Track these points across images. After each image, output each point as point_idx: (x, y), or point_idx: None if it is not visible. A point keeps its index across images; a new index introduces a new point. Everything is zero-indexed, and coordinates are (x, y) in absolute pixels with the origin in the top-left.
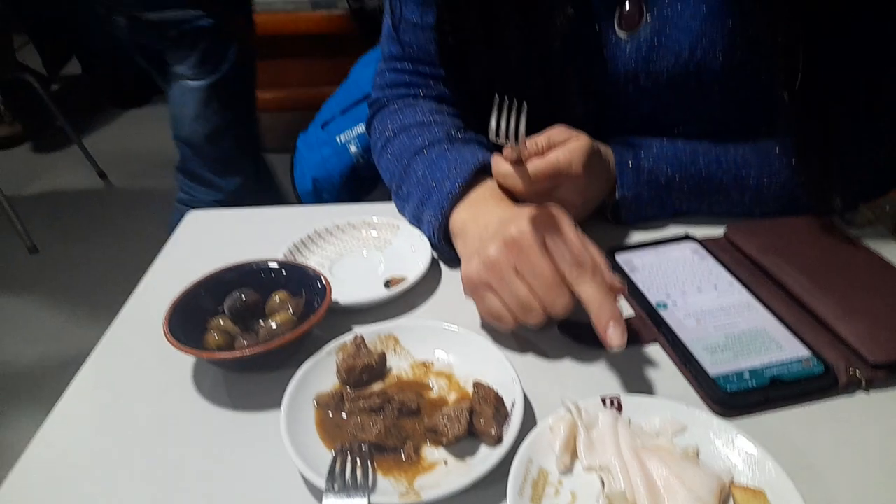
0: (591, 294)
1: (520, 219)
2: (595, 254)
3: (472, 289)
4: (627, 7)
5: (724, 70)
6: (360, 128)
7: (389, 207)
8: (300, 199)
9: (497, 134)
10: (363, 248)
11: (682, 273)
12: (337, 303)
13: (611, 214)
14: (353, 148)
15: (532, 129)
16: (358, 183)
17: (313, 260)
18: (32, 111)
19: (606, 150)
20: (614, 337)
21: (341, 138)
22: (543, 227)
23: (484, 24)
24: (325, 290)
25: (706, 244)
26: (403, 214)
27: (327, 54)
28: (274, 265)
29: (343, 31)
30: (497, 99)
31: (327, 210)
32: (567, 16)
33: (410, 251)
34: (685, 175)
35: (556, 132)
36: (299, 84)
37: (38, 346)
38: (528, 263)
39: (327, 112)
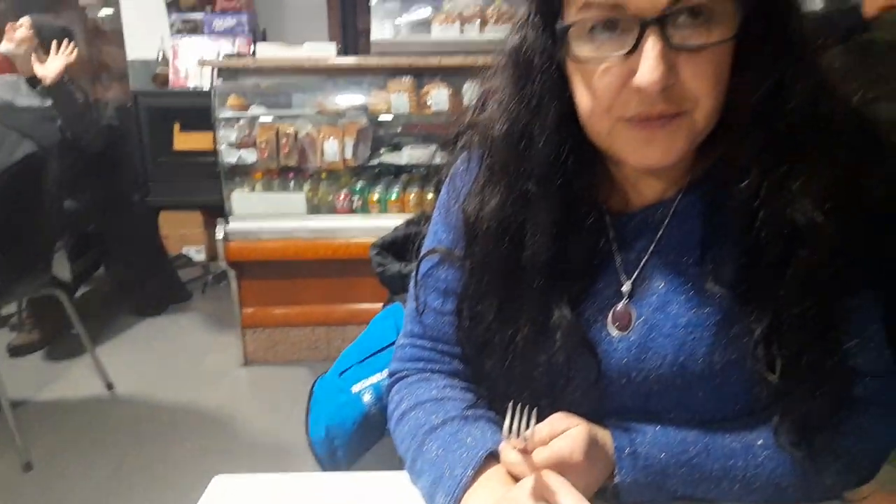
0: None
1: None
2: None
3: None
4: (620, 307)
5: (705, 372)
6: (376, 377)
7: (404, 478)
8: (312, 446)
9: (510, 431)
10: None
11: None
12: None
13: (610, 496)
14: (366, 397)
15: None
16: (368, 432)
17: None
18: (51, 318)
19: (604, 435)
20: None
21: (356, 388)
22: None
23: (497, 318)
24: None
25: None
26: (416, 486)
27: (340, 274)
28: None
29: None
30: (510, 403)
31: (347, 479)
32: (563, 315)
33: None
34: (678, 462)
35: (557, 420)
36: (315, 301)
37: None
38: None
39: (345, 361)
